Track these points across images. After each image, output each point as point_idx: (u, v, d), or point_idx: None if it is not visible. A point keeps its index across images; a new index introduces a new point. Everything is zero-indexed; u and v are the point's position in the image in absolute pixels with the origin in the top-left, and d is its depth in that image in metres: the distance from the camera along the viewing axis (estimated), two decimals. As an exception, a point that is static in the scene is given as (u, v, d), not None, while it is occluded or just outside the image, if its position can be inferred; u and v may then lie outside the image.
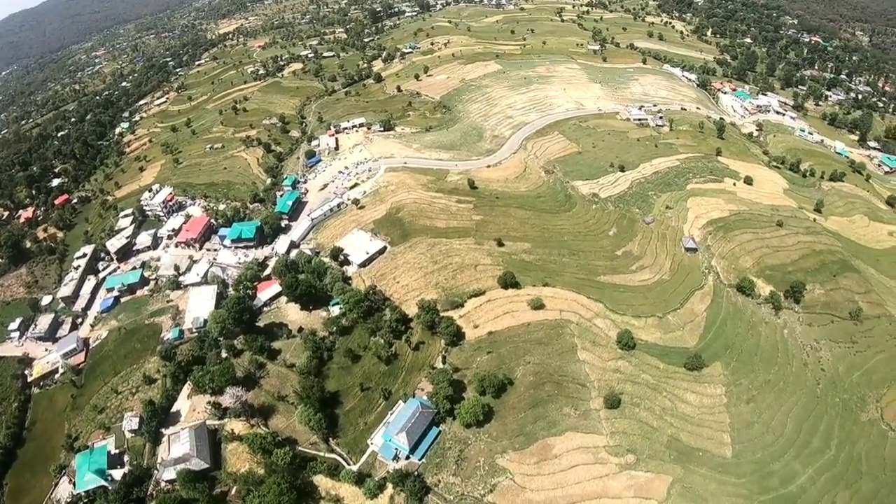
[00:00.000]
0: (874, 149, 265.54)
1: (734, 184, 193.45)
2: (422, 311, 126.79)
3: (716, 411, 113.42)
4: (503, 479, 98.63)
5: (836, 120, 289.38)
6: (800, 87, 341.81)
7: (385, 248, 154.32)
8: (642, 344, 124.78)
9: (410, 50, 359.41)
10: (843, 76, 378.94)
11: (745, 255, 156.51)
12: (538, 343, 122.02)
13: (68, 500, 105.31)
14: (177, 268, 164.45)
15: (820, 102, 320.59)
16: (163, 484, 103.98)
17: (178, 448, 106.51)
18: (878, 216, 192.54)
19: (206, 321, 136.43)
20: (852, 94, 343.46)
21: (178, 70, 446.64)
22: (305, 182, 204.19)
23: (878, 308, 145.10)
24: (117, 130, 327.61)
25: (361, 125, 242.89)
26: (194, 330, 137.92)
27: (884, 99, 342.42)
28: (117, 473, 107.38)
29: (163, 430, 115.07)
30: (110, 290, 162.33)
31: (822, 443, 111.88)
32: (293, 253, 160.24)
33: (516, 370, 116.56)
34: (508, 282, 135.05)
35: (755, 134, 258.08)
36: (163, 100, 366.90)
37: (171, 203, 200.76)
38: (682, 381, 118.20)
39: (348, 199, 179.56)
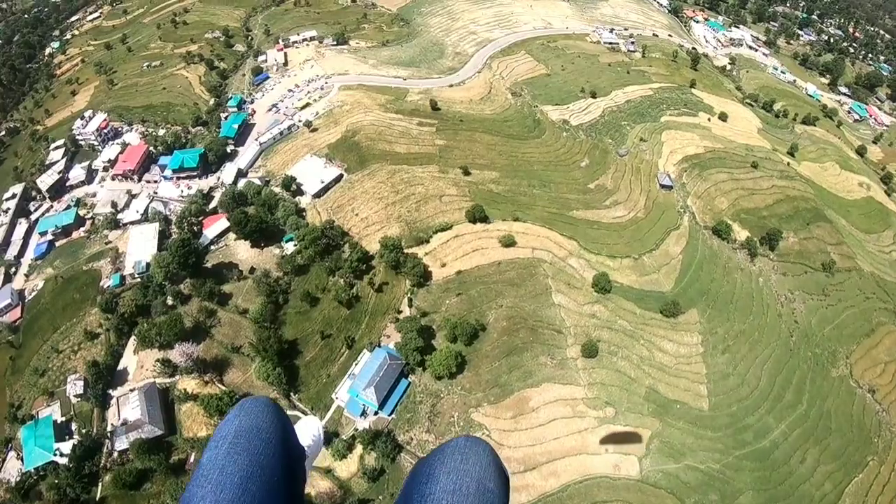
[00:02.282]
0: (845, 94, 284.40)
1: (709, 119, 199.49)
2: (385, 249, 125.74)
3: (692, 361, 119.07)
4: (480, 436, 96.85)
5: (807, 61, 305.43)
6: (772, 23, 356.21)
7: (341, 175, 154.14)
8: (618, 287, 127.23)
9: None
10: (814, 17, 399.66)
11: (721, 196, 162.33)
12: (510, 284, 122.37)
13: (17, 479, 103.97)
14: (114, 204, 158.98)
15: (791, 41, 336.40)
16: (115, 455, 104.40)
17: (128, 412, 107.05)
18: (849, 165, 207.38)
19: (148, 265, 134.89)
20: (824, 37, 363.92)
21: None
22: (252, 102, 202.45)
23: (849, 261, 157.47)
24: (47, 51, 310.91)
25: (313, 38, 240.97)
26: (136, 275, 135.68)
27: (854, 45, 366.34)
28: (66, 446, 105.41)
29: (110, 391, 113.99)
30: (43, 233, 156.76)
31: (794, 397, 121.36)
32: (241, 183, 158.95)
33: (488, 314, 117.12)
34: (477, 215, 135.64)
35: (728, 68, 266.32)
36: (96, 14, 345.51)
37: (105, 130, 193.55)
38: (658, 329, 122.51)
39: (299, 121, 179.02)
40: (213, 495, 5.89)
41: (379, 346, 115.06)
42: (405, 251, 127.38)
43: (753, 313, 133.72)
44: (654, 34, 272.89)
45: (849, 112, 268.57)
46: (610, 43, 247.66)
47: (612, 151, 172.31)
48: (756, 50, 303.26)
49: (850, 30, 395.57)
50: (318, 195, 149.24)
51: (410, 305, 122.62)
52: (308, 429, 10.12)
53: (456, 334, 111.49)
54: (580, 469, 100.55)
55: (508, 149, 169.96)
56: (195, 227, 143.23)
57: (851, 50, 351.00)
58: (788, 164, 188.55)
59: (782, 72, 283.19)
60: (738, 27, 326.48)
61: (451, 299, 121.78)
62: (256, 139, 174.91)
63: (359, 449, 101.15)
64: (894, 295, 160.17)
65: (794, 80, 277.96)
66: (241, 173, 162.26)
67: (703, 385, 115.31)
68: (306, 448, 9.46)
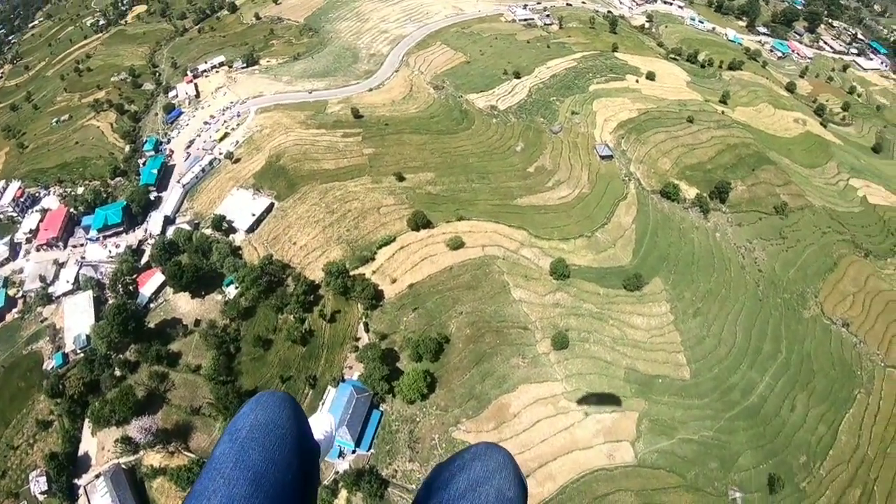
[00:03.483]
0: (764, 34, 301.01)
1: (637, 80, 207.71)
2: (330, 276, 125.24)
3: (665, 331, 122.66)
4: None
5: (722, 6, 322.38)
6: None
7: (272, 205, 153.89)
8: (576, 269, 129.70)
9: None
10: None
11: (663, 157, 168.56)
12: (467, 288, 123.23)
13: None
14: (42, 278, 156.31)
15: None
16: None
17: (98, 501, 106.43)
18: (782, 103, 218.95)
19: (89, 337, 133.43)
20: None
21: (10, 38, 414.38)
22: (169, 142, 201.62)
23: (800, 199, 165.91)
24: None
25: (222, 64, 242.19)
26: (78, 350, 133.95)
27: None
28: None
29: (76, 481, 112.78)
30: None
31: (772, 347, 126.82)
32: (170, 231, 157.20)
33: (449, 324, 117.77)
34: (419, 222, 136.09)
35: (647, 26, 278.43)
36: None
37: (22, 199, 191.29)
38: (625, 305, 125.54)
39: (220, 154, 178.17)
40: (226, 489, 5.99)
41: (343, 380, 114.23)
42: (351, 274, 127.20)
43: (717, 270, 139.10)
44: (567, 3, 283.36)
45: (771, 51, 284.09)
46: (525, 19, 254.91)
47: (545, 130, 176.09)
48: (671, 4, 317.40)
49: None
50: (251, 230, 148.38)
51: (367, 330, 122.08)
52: (321, 425, 10.65)
53: (420, 352, 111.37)
54: (575, 467, 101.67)
55: (440, 146, 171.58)
56: (130, 287, 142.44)
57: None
58: (723, 112, 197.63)
59: (700, 21, 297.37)
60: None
61: (407, 316, 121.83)
62: (179, 181, 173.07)
63: (343, 493, 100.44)
64: (849, 225, 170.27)
65: (713, 28, 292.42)
66: (168, 220, 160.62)
67: (680, 354, 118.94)
68: (319, 444, 9.70)
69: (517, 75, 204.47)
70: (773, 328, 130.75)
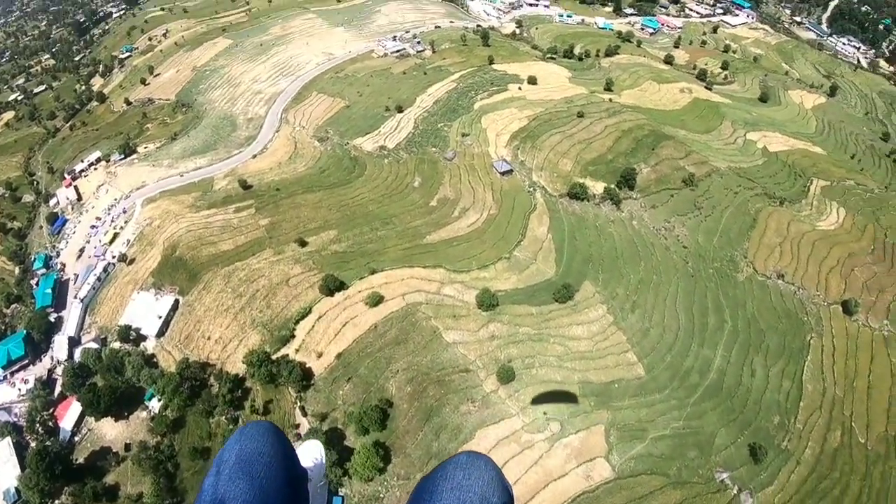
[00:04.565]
0: (632, 15, 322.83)
1: (519, 88, 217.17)
2: (252, 367, 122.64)
3: (608, 334, 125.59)
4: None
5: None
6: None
7: (177, 301, 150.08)
8: (504, 295, 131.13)
9: (128, 53, 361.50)
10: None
11: (563, 159, 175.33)
12: (396, 344, 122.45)
13: None
14: None
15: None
16: None
17: None
18: (664, 77, 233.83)
19: (18, 490, 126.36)
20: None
21: None
22: (58, 255, 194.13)
23: (705, 166, 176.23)
24: None
25: (99, 160, 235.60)
26: None
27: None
28: None
29: None
30: None
31: (716, 319, 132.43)
32: (77, 353, 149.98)
33: (388, 387, 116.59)
34: (332, 286, 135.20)
35: (518, 32, 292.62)
36: None
37: None
38: (561, 319, 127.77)
39: (113, 258, 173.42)
40: None
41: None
42: (274, 358, 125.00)
43: (643, 258, 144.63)
44: (436, 27, 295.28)
45: (642, 29, 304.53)
46: (397, 51, 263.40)
47: (439, 159, 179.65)
48: (537, 4, 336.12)
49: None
50: (161, 333, 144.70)
51: (305, 414, 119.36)
52: (310, 452, 11.63)
53: (365, 425, 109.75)
54: (555, 499, 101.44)
55: (336, 200, 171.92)
56: (50, 424, 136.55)
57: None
58: (610, 100, 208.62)
59: (569, 16, 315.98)
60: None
61: (343, 388, 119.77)
62: (76, 296, 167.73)
63: None
64: (758, 178, 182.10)
65: (583, 20, 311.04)
66: (73, 342, 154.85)
67: (629, 352, 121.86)
68: (308, 471, 10.49)
69: (400, 109, 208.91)
70: (713, 300, 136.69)
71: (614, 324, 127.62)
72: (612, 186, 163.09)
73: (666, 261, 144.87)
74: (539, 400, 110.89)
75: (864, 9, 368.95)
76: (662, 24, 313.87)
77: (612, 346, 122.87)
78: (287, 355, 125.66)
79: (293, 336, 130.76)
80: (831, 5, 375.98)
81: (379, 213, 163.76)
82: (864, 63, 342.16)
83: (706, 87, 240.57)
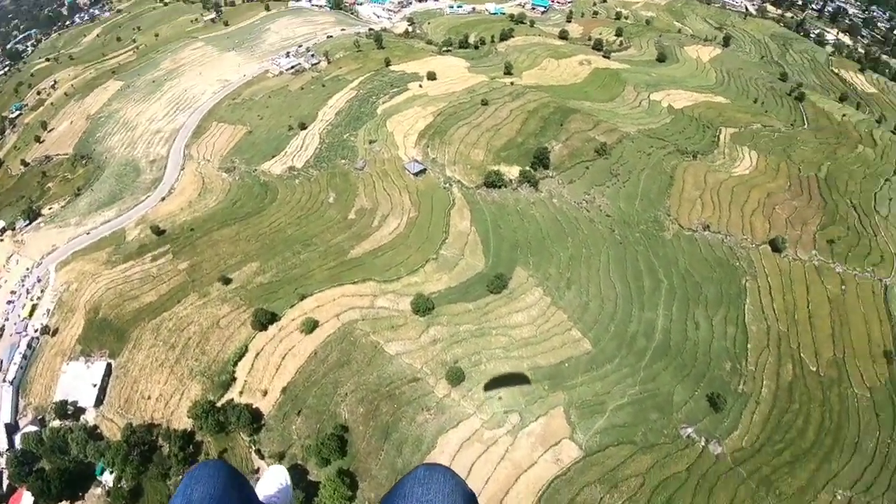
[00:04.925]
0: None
1: (420, 85, 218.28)
2: (199, 419, 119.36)
3: (549, 315, 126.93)
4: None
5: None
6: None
7: (109, 365, 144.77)
8: (438, 296, 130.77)
9: (18, 112, 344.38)
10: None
11: (474, 149, 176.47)
12: (340, 367, 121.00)
13: None
14: None
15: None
16: None
17: None
18: (562, 53, 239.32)
19: None
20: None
21: None
22: None
23: (615, 133, 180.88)
24: None
25: (3, 230, 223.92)
26: None
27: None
28: None
29: None
30: None
31: (651, 280, 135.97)
32: (17, 440, 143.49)
33: (340, 412, 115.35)
34: (263, 320, 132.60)
35: (411, 29, 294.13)
36: None
37: None
38: (500, 309, 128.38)
39: (36, 331, 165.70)
40: None
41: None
42: (219, 405, 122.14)
43: (569, 234, 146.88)
44: (328, 37, 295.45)
45: (533, 9, 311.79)
46: (291, 67, 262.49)
47: (351, 171, 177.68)
48: (425, 0, 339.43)
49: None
50: (99, 402, 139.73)
51: (262, 457, 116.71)
52: (275, 478, 11.36)
53: (325, 455, 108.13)
54: (530, 490, 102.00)
55: (252, 230, 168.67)
56: None
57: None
58: (512, 83, 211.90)
59: (459, 6, 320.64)
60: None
61: (295, 423, 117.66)
62: (4, 380, 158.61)
63: None
64: (668, 136, 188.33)
65: (473, 8, 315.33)
66: (12, 429, 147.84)
67: (573, 329, 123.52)
68: (276, 499, 10.51)
69: (303, 126, 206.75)
70: (645, 263, 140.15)
71: (553, 304, 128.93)
72: (527, 168, 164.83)
73: (592, 233, 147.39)
74: (491, 386, 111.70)
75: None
76: (553, 2, 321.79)
77: (555, 327, 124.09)
78: (232, 400, 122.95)
79: (234, 379, 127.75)
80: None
81: (298, 235, 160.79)
82: (752, 10, 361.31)
83: (604, 57, 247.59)
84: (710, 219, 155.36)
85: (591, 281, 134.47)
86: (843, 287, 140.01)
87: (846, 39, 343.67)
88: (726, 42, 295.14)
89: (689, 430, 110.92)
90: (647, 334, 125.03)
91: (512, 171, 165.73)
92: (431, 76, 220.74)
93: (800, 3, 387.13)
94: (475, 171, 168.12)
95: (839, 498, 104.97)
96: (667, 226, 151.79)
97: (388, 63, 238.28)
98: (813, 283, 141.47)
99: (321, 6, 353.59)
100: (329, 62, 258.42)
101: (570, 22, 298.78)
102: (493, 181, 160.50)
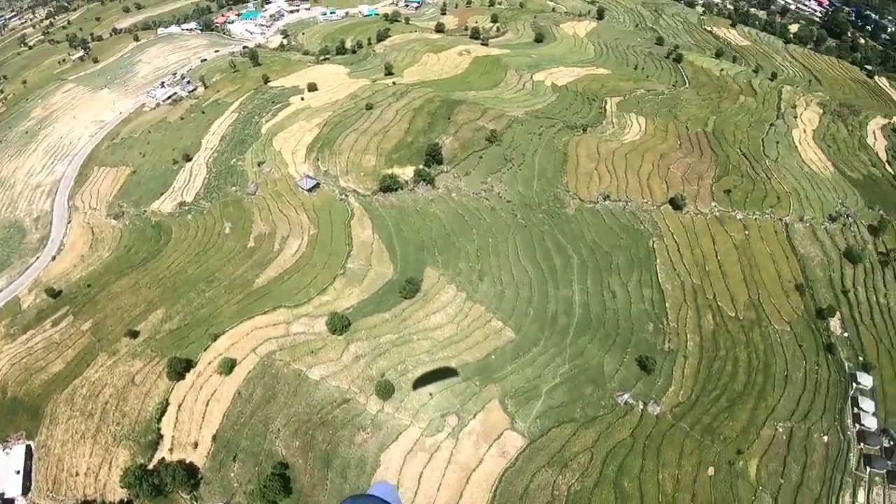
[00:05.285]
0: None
1: (302, 98, 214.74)
2: (133, 487, 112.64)
3: (467, 310, 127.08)
4: (367, 492, 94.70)
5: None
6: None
7: (29, 447, 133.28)
8: (352, 311, 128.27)
9: None
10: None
11: (365, 155, 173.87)
12: (266, 402, 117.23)
13: None
14: None
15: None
16: None
17: None
18: (441, 46, 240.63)
19: None
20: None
21: None
22: None
23: (503, 119, 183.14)
24: None
25: None
26: None
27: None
28: None
29: None
30: None
31: (561, 258, 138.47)
32: None
33: (276, 449, 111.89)
34: (179, 369, 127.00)
35: (286, 42, 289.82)
36: None
37: None
38: (417, 313, 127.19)
39: None
40: None
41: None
42: (150, 468, 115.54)
43: (473, 226, 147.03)
44: (202, 60, 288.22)
45: (407, 6, 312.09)
46: (168, 97, 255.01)
47: (243, 197, 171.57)
48: (297, 9, 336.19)
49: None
50: (26, 490, 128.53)
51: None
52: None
53: (270, 498, 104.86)
54: (482, 487, 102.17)
55: (152, 275, 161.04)
56: None
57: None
58: (394, 83, 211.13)
59: (332, 13, 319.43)
60: (268, 2, 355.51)
61: (233, 469, 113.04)
62: None
63: None
64: (556, 114, 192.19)
65: (346, 13, 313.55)
66: None
67: (493, 320, 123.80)
68: None
69: (188, 158, 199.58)
70: (552, 242, 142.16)
71: (469, 299, 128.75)
72: (422, 167, 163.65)
73: (496, 221, 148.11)
74: (419, 384, 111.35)
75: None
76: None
77: (475, 321, 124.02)
78: (163, 459, 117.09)
79: (161, 436, 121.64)
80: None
81: (200, 273, 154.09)
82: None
83: (483, 44, 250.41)
84: (608, 188, 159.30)
85: (503, 269, 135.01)
86: (747, 232, 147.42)
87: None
88: (600, 15, 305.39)
89: (626, 396, 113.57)
90: (567, 311, 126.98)
91: (406, 172, 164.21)
92: (312, 87, 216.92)
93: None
94: (369, 177, 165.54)
95: (780, 430, 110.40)
96: (567, 202, 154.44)
97: (266, 80, 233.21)
98: (717, 233, 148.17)
99: (191, 29, 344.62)
100: (206, 87, 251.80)
101: (444, 14, 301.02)
102: (389, 185, 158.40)
